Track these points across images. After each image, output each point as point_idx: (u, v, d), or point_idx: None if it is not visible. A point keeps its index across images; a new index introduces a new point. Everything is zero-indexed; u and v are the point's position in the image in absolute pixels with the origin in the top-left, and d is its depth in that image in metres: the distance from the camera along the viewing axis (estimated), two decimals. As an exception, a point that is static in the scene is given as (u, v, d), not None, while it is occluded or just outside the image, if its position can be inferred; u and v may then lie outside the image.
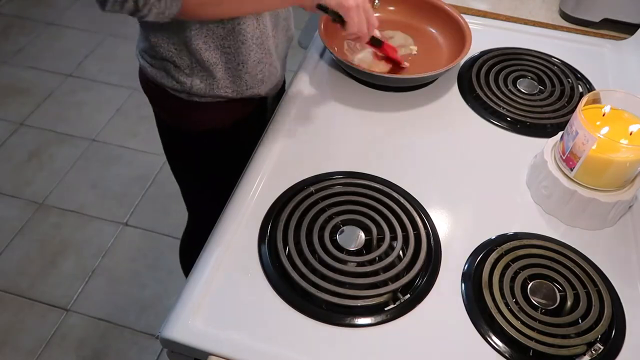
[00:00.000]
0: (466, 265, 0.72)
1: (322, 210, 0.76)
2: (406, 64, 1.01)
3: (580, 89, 0.98)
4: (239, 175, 0.85)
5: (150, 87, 0.94)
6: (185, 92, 0.89)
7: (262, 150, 0.87)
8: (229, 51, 0.85)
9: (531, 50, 1.05)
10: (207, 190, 1.10)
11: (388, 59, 1.01)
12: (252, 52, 0.86)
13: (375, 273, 0.70)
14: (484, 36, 1.10)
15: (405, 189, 0.81)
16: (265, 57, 0.90)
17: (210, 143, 0.99)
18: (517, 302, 0.67)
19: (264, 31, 0.87)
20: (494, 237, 0.75)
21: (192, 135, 0.98)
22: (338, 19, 0.83)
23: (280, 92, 1.04)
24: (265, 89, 0.94)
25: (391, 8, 1.12)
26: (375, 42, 0.95)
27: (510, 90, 0.97)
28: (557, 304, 0.67)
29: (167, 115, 0.99)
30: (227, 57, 0.86)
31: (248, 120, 0.99)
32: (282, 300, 0.67)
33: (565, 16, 1.16)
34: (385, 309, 0.67)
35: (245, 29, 0.83)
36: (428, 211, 0.78)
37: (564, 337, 0.64)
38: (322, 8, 0.82)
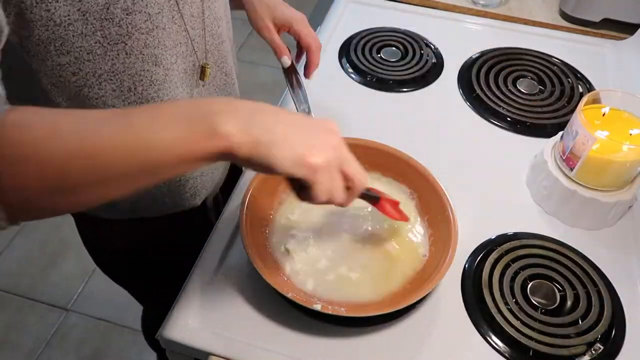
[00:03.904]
0: (466, 265, 0.72)
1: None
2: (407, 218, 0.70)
3: (580, 89, 0.98)
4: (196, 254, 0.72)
5: None
6: (99, 213, 0.74)
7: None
8: None
9: (531, 50, 1.05)
10: (156, 288, 0.90)
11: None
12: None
13: (375, 273, 0.70)
14: (484, 36, 1.10)
15: (405, 189, 0.80)
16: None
17: (144, 259, 0.83)
18: (517, 302, 0.67)
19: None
20: (494, 237, 0.76)
21: (123, 253, 0.82)
22: (296, 186, 0.52)
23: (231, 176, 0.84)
24: (200, 199, 0.77)
25: None
26: (367, 198, 0.64)
27: (510, 90, 0.97)
28: (557, 304, 0.68)
29: (90, 233, 0.83)
30: None
31: (187, 227, 0.78)
32: (282, 300, 0.67)
33: (565, 16, 1.16)
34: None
35: None
36: (428, 211, 0.78)
37: (564, 337, 0.64)
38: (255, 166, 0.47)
